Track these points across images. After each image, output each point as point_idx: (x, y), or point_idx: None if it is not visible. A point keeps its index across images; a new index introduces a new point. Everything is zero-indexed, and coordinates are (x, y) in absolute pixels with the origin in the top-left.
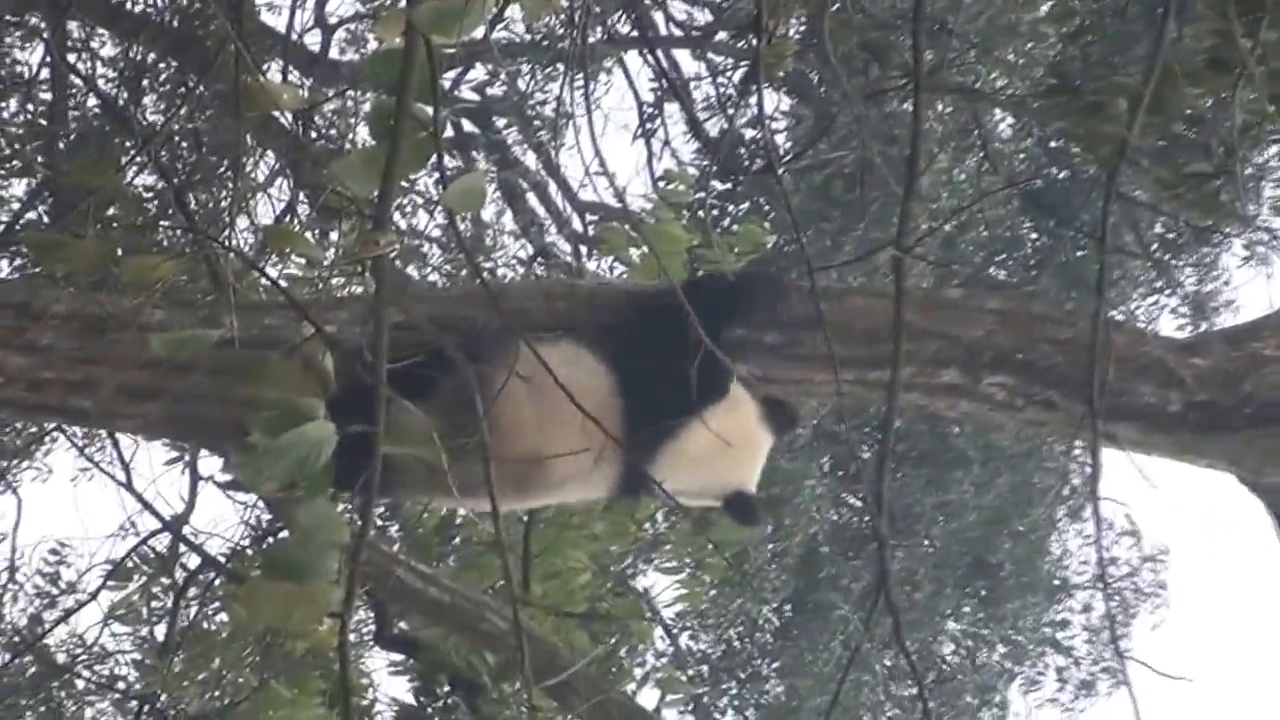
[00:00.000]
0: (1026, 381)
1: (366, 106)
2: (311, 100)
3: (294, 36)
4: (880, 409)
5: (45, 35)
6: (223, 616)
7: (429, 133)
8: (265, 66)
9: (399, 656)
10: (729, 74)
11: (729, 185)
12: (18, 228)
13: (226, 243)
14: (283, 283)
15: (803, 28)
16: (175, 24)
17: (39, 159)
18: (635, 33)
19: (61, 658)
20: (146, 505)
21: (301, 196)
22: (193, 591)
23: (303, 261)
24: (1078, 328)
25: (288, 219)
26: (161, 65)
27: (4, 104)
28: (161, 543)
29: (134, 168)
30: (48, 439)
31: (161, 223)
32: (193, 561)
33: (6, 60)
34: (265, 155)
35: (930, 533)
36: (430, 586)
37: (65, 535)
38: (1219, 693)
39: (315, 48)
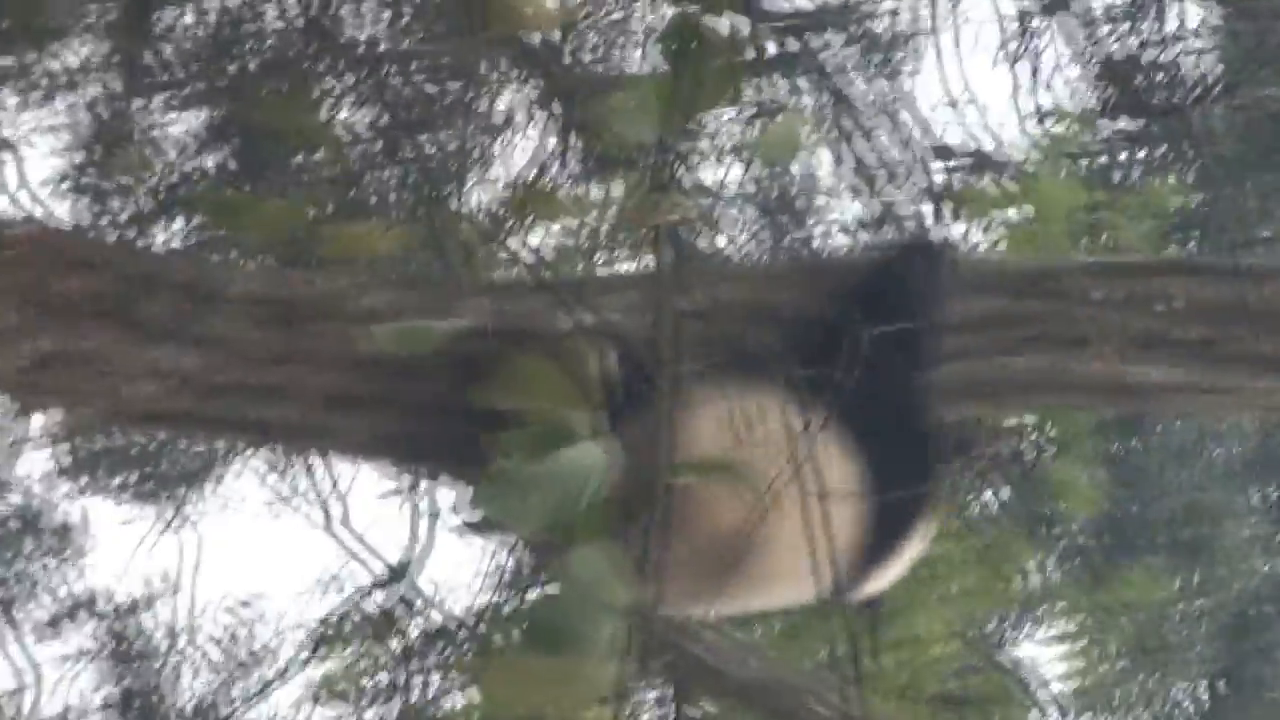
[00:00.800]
0: None
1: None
2: (580, 12)
3: None
4: None
5: None
6: (463, 698)
7: (736, 58)
8: None
9: None
10: None
11: (1136, 125)
12: (186, 183)
13: (462, 205)
14: (537, 257)
15: None
16: None
17: (212, 89)
18: None
19: None
20: (360, 550)
21: (567, 143)
22: (423, 664)
23: (564, 229)
24: None
25: (545, 174)
26: None
27: (166, 17)
28: (381, 599)
29: (338, 104)
30: (229, 462)
31: (376, 176)
32: (423, 625)
33: None
34: (516, 87)
35: None
36: (741, 661)
37: (256, 587)
38: None
39: None
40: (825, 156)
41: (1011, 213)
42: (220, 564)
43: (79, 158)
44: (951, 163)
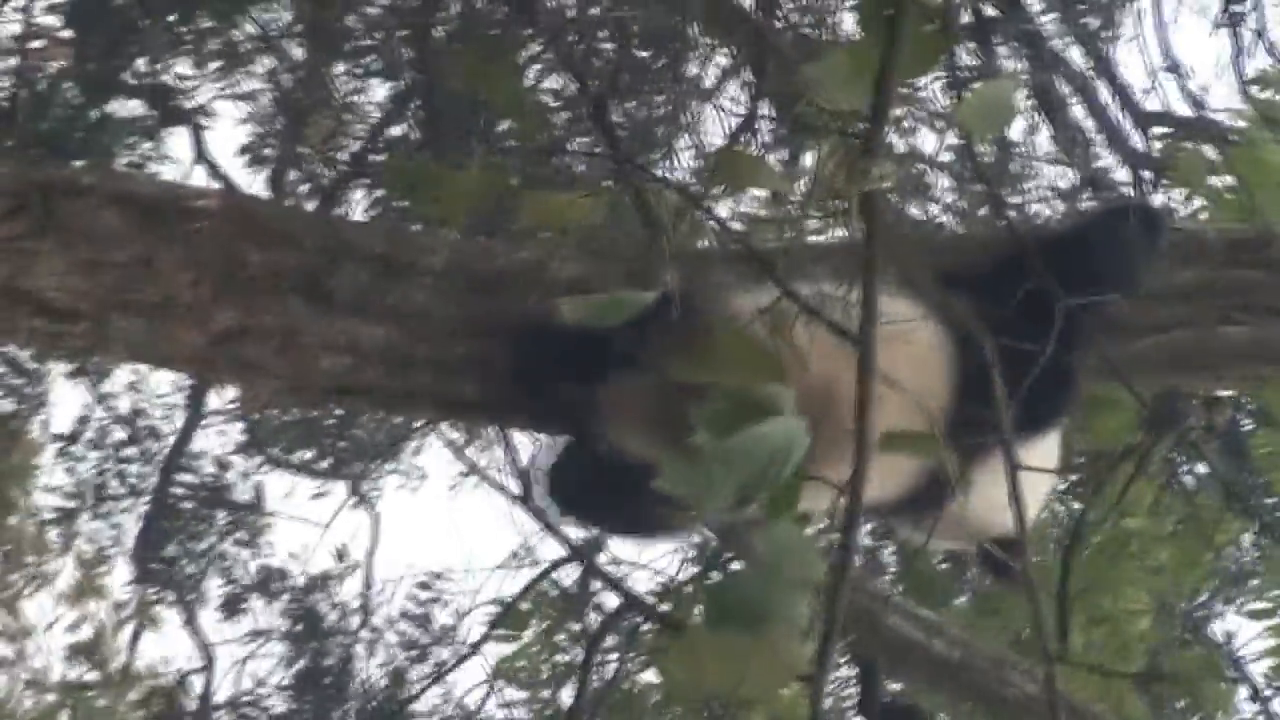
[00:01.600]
0: None
1: None
2: None
3: None
4: None
5: None
6: (651, 676)
7: (940, 24)
8: None
9: None
10: None
11: None
12: (378, 151)
13: (662, 172)
14: (738, 226)
15: None
16: None
17: (406, 55)
18: None
19: None
20: (548, 526)
21: (764, 109)
22: (610, 642)
23: (765, 197)
24: None
25: (745, 140)
26: None
27: None
28: (569, 577)
29: (535, 69)
30: (416, 437)
31: (573, 145)
32: (611, 602)
33: None
34: (715, 52)
35: None
36: (934, 638)
37: (439, 565)
38: None
39: None
40: (1033, 124)
41: (1222, 180)
42: (404, 540)
43: (269, 127)
44: (1163, 129)
